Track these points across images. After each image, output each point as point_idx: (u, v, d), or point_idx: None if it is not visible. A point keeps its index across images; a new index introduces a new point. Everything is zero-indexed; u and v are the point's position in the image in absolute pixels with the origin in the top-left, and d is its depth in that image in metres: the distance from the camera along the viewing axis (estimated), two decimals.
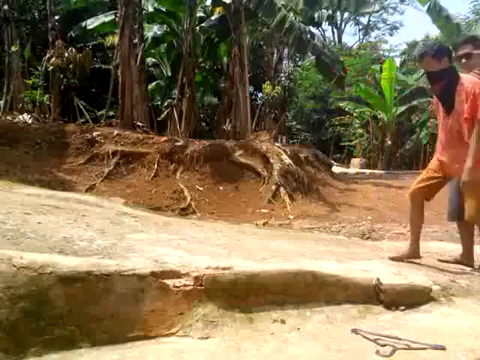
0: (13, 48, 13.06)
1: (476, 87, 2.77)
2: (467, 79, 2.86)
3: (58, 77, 12.42)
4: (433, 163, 3.13)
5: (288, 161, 9.66)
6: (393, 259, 3.03)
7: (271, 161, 9.52)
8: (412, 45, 21.25)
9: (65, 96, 12.97)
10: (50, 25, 13.42)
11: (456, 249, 3.77)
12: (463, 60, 3.05)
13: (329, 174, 11.72)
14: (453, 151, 2.93)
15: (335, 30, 29.17)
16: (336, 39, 28.84)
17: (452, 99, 2.86)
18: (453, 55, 3.07)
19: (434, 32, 30.21)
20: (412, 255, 3.09)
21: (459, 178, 2.88)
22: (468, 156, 2.76)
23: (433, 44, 3.06)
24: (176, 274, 1.86)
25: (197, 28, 14.72)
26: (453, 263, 3.23)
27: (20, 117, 11.21)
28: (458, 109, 2.84)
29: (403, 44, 31.45)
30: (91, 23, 14.50)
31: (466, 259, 3.20)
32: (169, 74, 16.74)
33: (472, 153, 2.75)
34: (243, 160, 9.67)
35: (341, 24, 28.89)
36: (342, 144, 21.38)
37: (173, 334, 1.74)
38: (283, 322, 1.93)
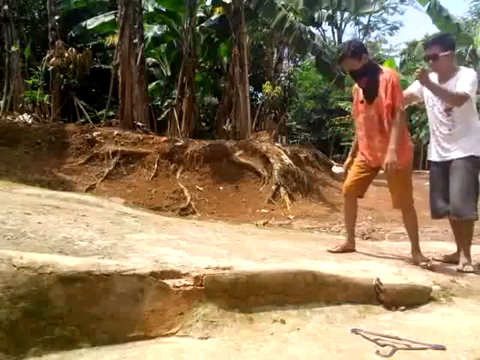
0: (13, 48, 13.05)
1: (393, 77, 2.90)
2: (387, 71, 2.99)
3: (58, 77, 12.42)
4: (358, 160, 3.23)
5: (288, 161, 9.67)
6: (331, 252, 3.12)
7: (271, 161, 9.53)
8: (412, 45, 21.21)
9: (65, 96, 12.97)
10: (50, 25, 13.42)
11: (456, 249, 3.77)
12: (430, 61, 3.05)
13: (329, 174, 11.71)
14: (376, 141, 3.02)
15: (335, 30, 29.15)
16: (336, 39, 28.83)
17: (376, 90, 2.93)
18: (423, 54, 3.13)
19: (434, 32, 30.23)
20: (348, 247, 3.22)
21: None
22: (390, 141, 2.86)
23: (349, 44, 3.02)
24: (176, 274, 1.86)
25: (197, 28, 14.72)
26: (445, 262, 3.26)
27: (20, 117, 11.20)
28: (378, 100, 2.92)
29: (403, 44, 31.44)
30: (91, 23, 14.49)
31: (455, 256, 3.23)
32: (169, 74, 16.73)
33: (394, 138, 2.85)
34: (243, 160, 9.67)
35: (341, 24, 28.85)
36: (342, 144, 21.37)
37: (173, 334, 1.74)
38: (283, 322, 1.93)
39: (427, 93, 3.12)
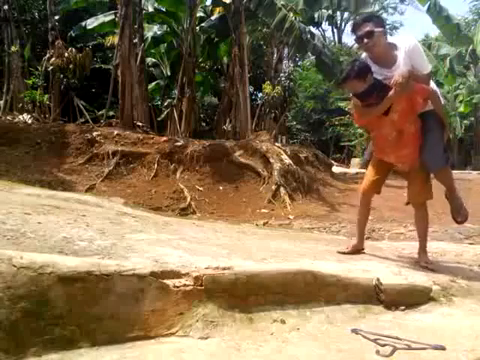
0: (13, 48, 13.06)
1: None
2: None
3: (58, 77, 12.42)
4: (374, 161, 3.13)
5: (288, 161, 9.67)
6: (343, 253, 3.06)
7: (271, 161, 9.53)
8: None
9: (65, 96, 12.97)
10: (50, 25, 13.43)
11: (456, 249, 3.77)
12: (365, 40, 2.76)
13: (329, 174, 11.72)
14: (399, 148, 2.87)
15: (335, 30, 29.16)
16: (336, 39, 28.83)
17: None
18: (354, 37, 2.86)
19: (434, 32, 30.21)
20: (359, 247, 3.17)
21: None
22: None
23: (353, 64, 2.79)
24: (176, 274, 1.86)
25: (197, 28, 14.71)
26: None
27: (20, 117, 11.21)
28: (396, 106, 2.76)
29: None
30: (91, 23, 14.50)
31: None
32: (169, 74, 16.74)
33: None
34: (243, 160, 9.67)
35: (341, 24, 28.86)
36: (342, 144, 21.37)
37: (173, 334, 1.74)
38: (283, 322, 1.93)
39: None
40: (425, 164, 2.85)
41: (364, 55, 2.94)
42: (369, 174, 3.13)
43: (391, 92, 2.69)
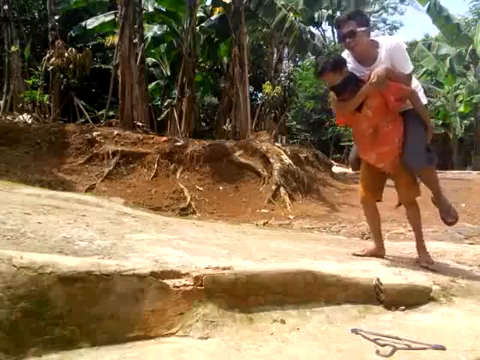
0: (13, 48, 13.06)
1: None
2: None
3: (58, 77, 12.43)
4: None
5: (288, 161, 9.68)
6: (357, 255, 3.02)
7: (271, 161, 9.54)
8: (412, 45, 21.21)
9: (65, 96, 12.97)
10: (50, 25, 13.44)
11: (456, 249, 3.77)
12: (347, 40, 2.76)
13: (329, 174, 11.73)
14: (376, 145, 2.84)
15: (335, 30, 29.18)
16: (336, 39, 28.84)
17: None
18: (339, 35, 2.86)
19: (434, 32, 30.22)
20: (377, 252, 3.09)
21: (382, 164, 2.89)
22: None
23: (329, 57, 2.84)
24: (176, 274, 1.86)
25: (197, 28, 14.72)
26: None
27: (20, 117, 11.22)
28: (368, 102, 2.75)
29: None
30: (91, 23, 14.50)
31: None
32: (169, 74, 16.74)
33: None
34: (243, 160, 9.68)
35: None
36: (342, 144, 21.39)
37: (173, 334, 1.74)
38: (283, 322, 1.93)
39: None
40: (406, 164, 2.82)
41: (346, 51, 2.93)
42: (360, 179, 3.14)
43: (363, 87, 2.70)
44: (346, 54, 2.91)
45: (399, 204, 3.16)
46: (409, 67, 2.76)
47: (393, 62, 2.72)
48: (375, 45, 2.79)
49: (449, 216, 2.98)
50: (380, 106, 2.76)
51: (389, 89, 2.69)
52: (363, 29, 2.75)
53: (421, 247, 3.03)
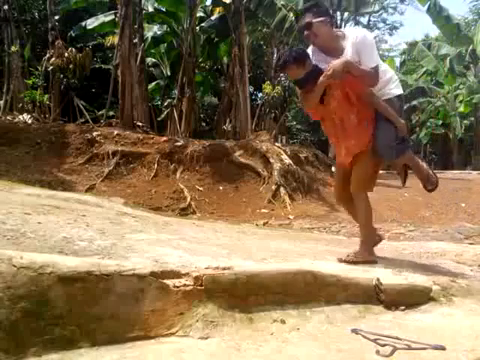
0: (13, 48, 13.06)
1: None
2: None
3: (58, 77, 12.43)
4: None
5: (288, 161, 9.68)
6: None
7: (271, 161, 9.54)
8: (412, 45, 21.23)
9: (65, 96, 12.98)
10: (50, 25, 13.44)
11: (456, 249, 3.77)
12: (305, 32, 2.75)
13: (329, 174, 11.72)
14: (345, 137, 2.82)
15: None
16: None
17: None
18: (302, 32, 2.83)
19: (434, 32, 30.23)
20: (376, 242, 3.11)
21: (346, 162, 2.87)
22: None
23: (291, 50, 2.78)
24: (176, 274, 1.86)
25: (197, 28, 14.73)
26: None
27: (20, 117, 11.22)
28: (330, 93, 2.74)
29: (403, 44, 31.45)
30: (91, 23, 14.51)
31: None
32: (169, 74, 16.75)
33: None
34: (243, 160, 9.68)
35: (341, 24, 28.88)
36: None
37: (173, 334, 1.74)
38: (283, 322, 1.93)
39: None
40: (380, 155, 2.81)
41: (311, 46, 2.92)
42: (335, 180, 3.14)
43: (320, 79, 2.67)
44: (313, 48, 2.88)
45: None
46: (374, 60, 2.71)
47: (359, 55, 2.70)
48: (341, 37, 2.77)
49: (429, 182, 2.96)
50: (343, 98, 2.74)
51: (345, 82, 2.67)
52: (320, 19, 2.73)
53: (363, 242, 2.91)
